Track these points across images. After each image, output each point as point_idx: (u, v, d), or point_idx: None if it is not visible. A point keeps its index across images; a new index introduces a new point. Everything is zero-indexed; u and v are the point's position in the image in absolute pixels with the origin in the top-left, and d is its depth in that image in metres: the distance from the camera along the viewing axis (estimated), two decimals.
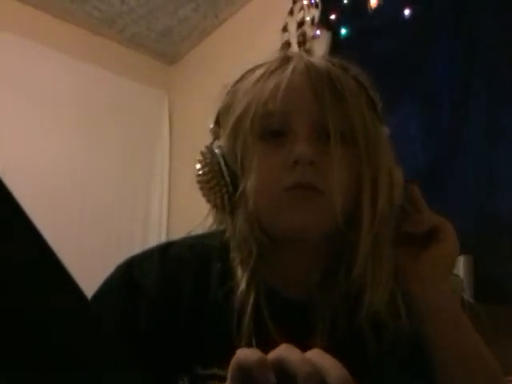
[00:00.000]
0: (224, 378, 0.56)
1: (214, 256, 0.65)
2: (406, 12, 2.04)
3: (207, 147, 0.66)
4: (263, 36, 2.66)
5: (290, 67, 0.63)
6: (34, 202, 2.52)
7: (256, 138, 0.62)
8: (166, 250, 0.66)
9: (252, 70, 0.68)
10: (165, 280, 0.63)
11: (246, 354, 0.36)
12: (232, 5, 2.99)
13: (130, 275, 0.63)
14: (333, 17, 2.33)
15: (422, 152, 1.98)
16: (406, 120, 2.04)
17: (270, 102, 0.62)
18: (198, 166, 0.65)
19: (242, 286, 0.61)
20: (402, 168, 0.68)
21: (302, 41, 2.40)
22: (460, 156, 1.85)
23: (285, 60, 0.66)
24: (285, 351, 0.37)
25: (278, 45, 2.46)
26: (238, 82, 0.69)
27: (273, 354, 0.37)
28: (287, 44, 2.45)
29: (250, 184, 0.61)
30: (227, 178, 0.63)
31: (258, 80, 0.65)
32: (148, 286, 0.62)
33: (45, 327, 0.26)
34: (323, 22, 2.37)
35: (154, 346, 0.59)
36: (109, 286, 0.64)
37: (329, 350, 0.56)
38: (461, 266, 1.62)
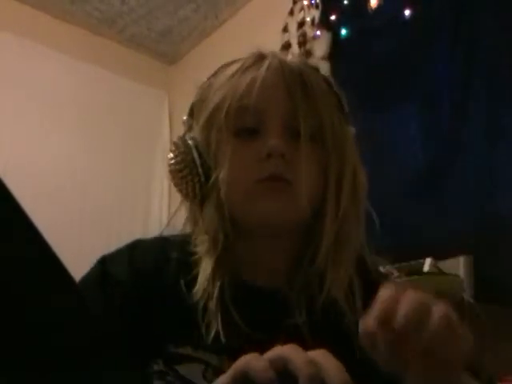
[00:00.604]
0: (198, 360, 0.59)
1: (173, 248, 0.68)
2: (406, 12, 2.04)
3: (180, 138, 0.68)
4: (263, 36, 2.66)
5: (265, 64, 0.66)
6: (34, 202, 2.51)
7: (230, 134, 0.65)
8: (133, 247, 0.70)
9: (226, 66, 0.70)
10: (134, 273, 0.66)
11: (249, 362, 0.37)
12: (232, 5, 2.99)
13: (103, 271, 0.67)
14: (333, 17, 2.33)
15: (422, 152, 1.98)
16: (406, 120, 2.04)
17: (244, 97, 0.64)
18: (171, 155, 0.68)
19: (207, 272, 0.63)
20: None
21: (303, 41, 2.40)
22: (460, 156, 1.85)
23: (259, 57, 0.68)
24: (288, 351, 0.37)
25: (278, 45, 2.46)
26: (212, 76, 0.71)
27: (275, 353, 0.37)
28: (287, 44, 2.45)
29: (222, 175, 0.64)
30: (199, 168, 0.65)
31: (233, 75, 0.67)
32: (121, 279, 0.65)
33: (45, 327, 0.26)
34: (323, 23, 2.37)
35: (129, 335, 0.61)
36: (84, 283, 0.66)
37: (298, 334, 0.59)
38: (461, 266, 1.62)
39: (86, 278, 0.67)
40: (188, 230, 0.71)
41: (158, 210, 3.25)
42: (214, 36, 3.21)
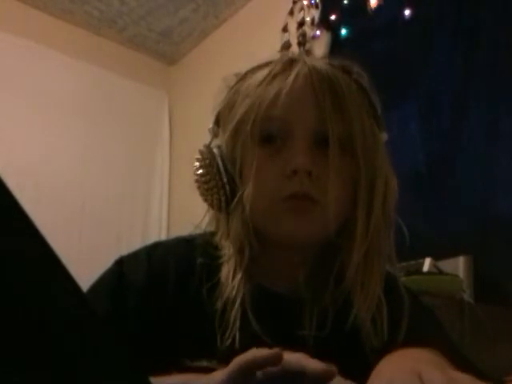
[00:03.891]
0: (212, 370, 0.56)
1: (197, 253, 0.66)
2: (406, 12, 2.04)
3: (206, 146, 0.67)
4: (263, 36, 2.66)
5: (294, 73, 0.63)
6: (34, 201, 2.53)
7: (255, 143, 0.63)
8: (153, 250, 0.68)
9: (254, 70, 0.68)
10: (152, 277, 0.64)
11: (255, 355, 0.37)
12: (232, 5, 2.99)
13: (120, 273, 0.65)
14: (333, 17, 2.33)
15: (422, 152, 1.98)
16: (406, 120, 2.04)
17: (271, 108, 0.62)
18: (197, 164, 0.66)
19: (229, 279, 0.62)
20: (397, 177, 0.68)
21: (302, 41, 2.40)
22: (460, 156, 1.85)
23: (288, 63, 0.66)
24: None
25: (278, 45, 2.46)
26: (239, 81, 0.68)
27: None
28: (287, 44, 2.45)
29: (247, 191, 0.62)
30: (225, 181, 0.64)
31: (261, 83, 0.64)
32: (137, 283, 0.63)
33: (45, 327, 0.26)
34: (323, 23, 2.37)
35: (142, 341, 0.59)
36: (99, 284, 0.65)
37: (315, 345, 0.59)
38: (461, 266, 1.62)
39: (102, 279, 0.65)
40: (211, 229, 0.70)
41: (157, 209, 3.25)
42: (213, 36, 3.21)
